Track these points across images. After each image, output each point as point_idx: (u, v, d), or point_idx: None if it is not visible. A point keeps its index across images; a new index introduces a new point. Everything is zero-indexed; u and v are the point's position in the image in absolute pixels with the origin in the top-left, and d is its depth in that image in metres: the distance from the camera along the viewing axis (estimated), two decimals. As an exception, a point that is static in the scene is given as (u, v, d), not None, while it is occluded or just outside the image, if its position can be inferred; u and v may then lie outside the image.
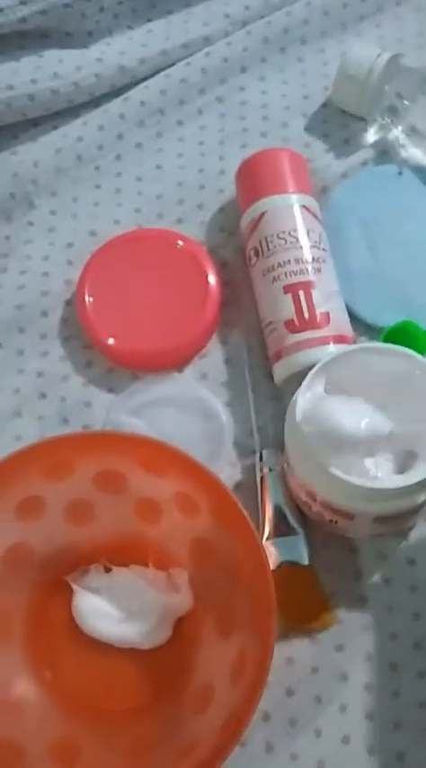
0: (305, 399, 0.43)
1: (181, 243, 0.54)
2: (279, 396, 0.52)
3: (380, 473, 0.42)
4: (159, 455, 0.44)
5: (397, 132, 0.58)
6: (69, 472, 0.45)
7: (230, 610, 0.43)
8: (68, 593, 0.47)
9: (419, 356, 0.44)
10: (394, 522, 0.44)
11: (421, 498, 0.42)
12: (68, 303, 0.55)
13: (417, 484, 0.41)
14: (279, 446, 0.49)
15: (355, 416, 0.42)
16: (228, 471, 0.50)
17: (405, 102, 0.57)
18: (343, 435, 0.41)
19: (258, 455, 0.49)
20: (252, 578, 0.41)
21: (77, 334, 0.54)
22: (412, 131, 0.58)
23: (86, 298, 0.53)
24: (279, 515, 0.48)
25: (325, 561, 0.48)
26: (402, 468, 0.42)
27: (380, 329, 0.52)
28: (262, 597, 0.40)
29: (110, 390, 0.53)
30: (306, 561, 0.47)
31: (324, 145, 0.59)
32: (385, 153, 0.59)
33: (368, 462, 0.43)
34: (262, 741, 0.44)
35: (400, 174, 0.57)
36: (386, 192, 0.57)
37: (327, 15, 0.63)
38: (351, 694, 0.45)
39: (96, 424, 0.52)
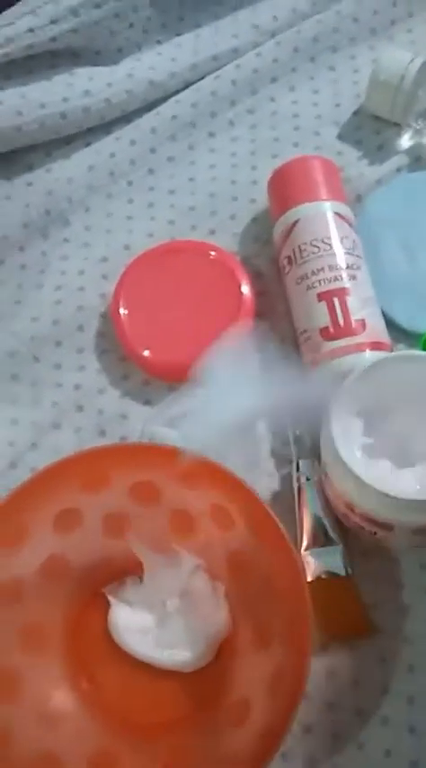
0: (339, 410, 0.43)
1: (214, 254, 0.54)
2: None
3: (419, 485, 0.41)
4: (193, 467, 0.44)
5: (431, 137, 0.58)
6: (106, 484, 0.46)
7: (267, 622, 0.43)
8: (106, 606, 0.47)
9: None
10: (435, 532, 0.43)
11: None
12: (103, 317, 0.55)
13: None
14: (317, 455, 0.48)
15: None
16: (266, 481, 0.50)
17: (439, 108, 0.57)
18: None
19: (295, 465, 0.49)
20: (289, 591, 0.41)
21: (113, 347, 0.54)
22: (446, 136, 0.57)
23: (121, 311, 0.53)
24: (317, 526, 0.47)
25: (366, 572, 0.47)
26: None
27: (418, 335, 0.51)
28: (299, 610, 0.40)
29: (147, 402, 0.53)
30: (344, 572, 0.46)
31: (358, 152, 0.59)
32: (419, 159, 0.58)
33: (406, 472, 0.42)
34: (305, 754, 0.43)
35: (435, 179, 0.57)
36: (420, 198, 0.56)
37: (357, 22, 0.63)
38: (393, 707, 0.44)
39: (133, 435, 0.52)
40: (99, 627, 0.47)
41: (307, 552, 0.47)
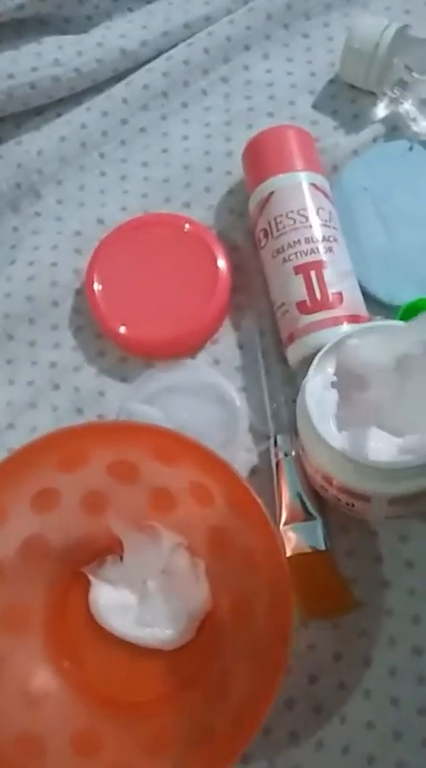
0: (314, 383, 0.42)
1: (189, 227, 0.53)
2: (292, 379, 0.51)
3: (393, 455, 0.41)
4: (171, 444, 0.44)
5: (407, 106, 0.57)
6: (83, 463, 0.45)
7: (248, 598, 0.43)
8: (87, 585, 0.47)
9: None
10: (412, 503, 0.43)
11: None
12: (78, 293, 0.54)
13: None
14: (295, 430, 0.48)
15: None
16: (244, 457, 0.50)
17: (415, 75, 0.56)
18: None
19: (272, 440, 0.49)
20: (268, 566, 0.41)
21: (88, 323, 0.53)
22: (423, 104, 0.56)
23: (95, 286, 0.52)
24: (296, 500, 0.47)
25: (345, 546, 0.47)
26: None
27: (397, 308, 0.50)
28: (279, 584, 0.39)
29: (124, 379, 0.52)
30: (323, 546, 0.46)
31: (333, 122, 0.58)
32: (395, 128, 0.57)
33: (381, 443, 0.42)
34: (287, 729, 0.44)
35: (411, 149, 0.56)
36: (397, 167, 0.55)
37: (331, -12, 0.62)
38: (375, 679, 0.44)
39: (110, 413, 0.51)
40: (80, 606, 0.47)
41: (287, 527, 0.47)
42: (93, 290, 0.52)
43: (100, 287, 0.52)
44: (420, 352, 0.42)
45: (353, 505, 0.44)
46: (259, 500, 0.41)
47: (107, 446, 0.45)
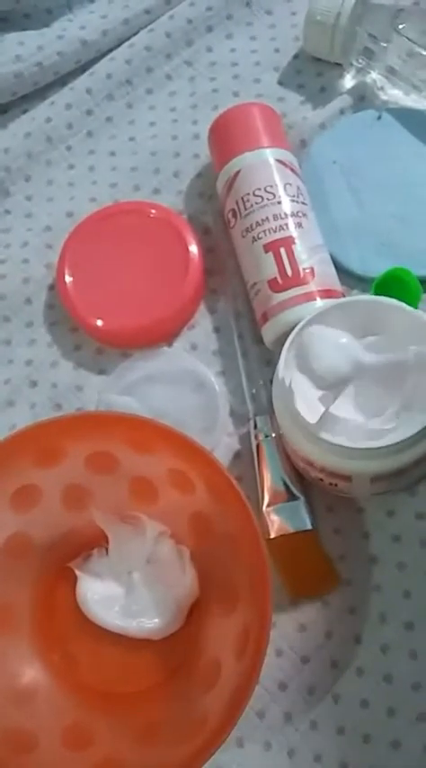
0: (287, 365, 0.42)
1: (154, 212, 0.53)
2: (271, 360, 0.50)
3: (370, 432, 0.40)
4: (147, 433, 0.43)
5: (374, 75, 0.56)
6: (61, 457, 0.45)
7: (232, 584, 0.42)
8: (73, 580, 0.46)
9: (406, 306, 0.42)
10: (394, 479, 0.42)
11: (417, 453, 0.40)
12: (51, 288, 0.54)
13: (410, 439, 0.39)
14: (274, 412, 0.47)
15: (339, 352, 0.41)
16: (226, 441, 0.49)
17: (380, 44, 0.55)
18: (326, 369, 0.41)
19: (252, 423, 0.48)
20: (249, 550, 0.40)
21: (63, 318, 0.53)
22: (390, 72, 0.55)
23: (67, 279, 0.52)
24: (278, 482, 0.46)
25: (331, 524, 0.46)
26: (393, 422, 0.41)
27: (371, 279, 0.50)
28: (258, 568, 0.39)
29: (101, 372, 0.52)
30: (308, 526, 0.45)
31: (300, 96, 0.57)
32: (363, 98, 0.56)
33: (356, 421, 0.41)
34: (281, 711, 0.43)
35: (379, 118, 0.55)
36: (366, 138, 0.55)
37: (292, -38, 0.61)
38: (367, 657, 0.43)
39: (89, 406, 0.51)
40: (68, 601, 0.46)
41: (270, 509, 0.46)
42: (65, 283, 0.52)
43: (71, 279, 0.52)
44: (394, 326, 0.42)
45: (336, 485, 0.44)
46: (235, 483, 0.41)
47: (83, 438, 0.44)
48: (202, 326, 0.52)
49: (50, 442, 0.44)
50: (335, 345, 0.42)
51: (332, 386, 0.42)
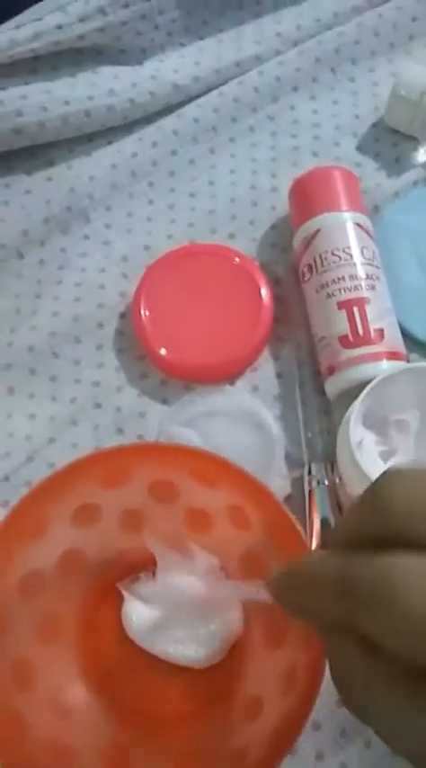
0: (357, 419, 0.44)
1: (235, 258, 0.55)
2: (328, 410, 0.52)
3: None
4: (212, 467, 0.45)
5: (447, 152, 0.59)
6: (125, 481, 0.46)
7: (280, 621, 0.44)
8: (119, 600, 0.48)
9: None
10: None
11: None
12: (122, 316, 0.56)
13: None
14: (329, 459, 0.50)
15: None
16: (279, 483, 0.51)
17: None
18: None
19: (307, 468, 0.50)
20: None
21: (131, 346, 0.55)
22: (463, 151, 0.59)
23: (142, 311, 0.54)
24: (326, 529, 0.48)
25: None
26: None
27: (432, 346, 0.52)
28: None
29: (164, 401, 0.54)
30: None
31: (375, 164, 0.60)
32: (435, 173, 0.60)
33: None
34: (313, 750, 0.45)
35: (449, 194, 0.58)
36: (436, 211, 0.58)
37: (377, 36, 0.64)
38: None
39: (150, 434, 0.53)
40: (113, 621, 0.47)
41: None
42: (140, 313, 0.54)
43: (146, 311, 0.54)
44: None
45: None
46: (298, 526, 0.43)
47: (149, 466, 0.46)
48: (265, 370, 0.54)
49: (120, 465, 0.46)
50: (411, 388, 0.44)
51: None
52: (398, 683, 0.25)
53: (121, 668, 0.47)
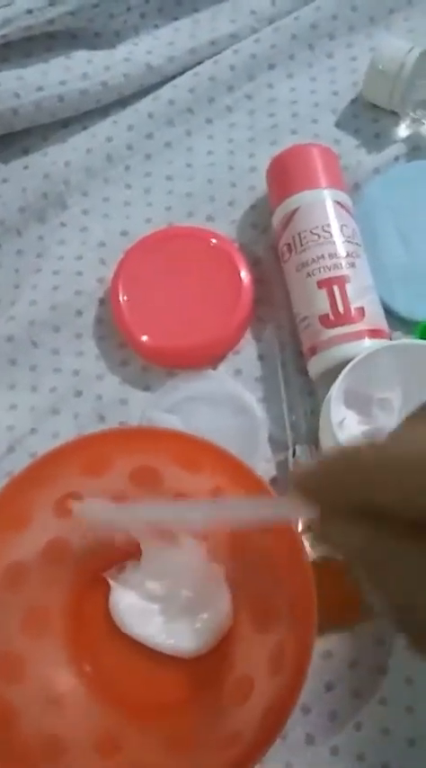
0: (337, 398, 0.43)
1: (213, 240, 0.54)
2: (312, 391, 0.52)
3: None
4: (194, 450, 0.45)
5: (429, 126, 0.58)
6: (107, 468, 0.46)
7: (267, 602, 0.44)
8: (106, 590, 0.47)
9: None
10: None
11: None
12: (102, 302, 0.55)
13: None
14: (313, 441, 0.49)
15: None
16: (264, 467, 0.51)
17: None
18: None
19: (291, 450, 0.50)
20: (290, 571, 0.41)
21: (111, 333, 0.54)
22: (445, 125, 0.58)
23: (121, 296, 0.53)
24: (314, 510, 0.48)
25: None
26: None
27: (415, 323, 0.51)
28: (301, 589, 0.40)
29: (146, 388, 0.53)
30: (340, 556, 0.47)
31: (355, 140, 0.59)
32: (416, 148, 0.59)
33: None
34: (303, 734, 0.44)
35: (432, 168, 0.57)
36: (418, 186, 0.57)
37: (355, 10, 0.63)
38: (391, 688, 0.45)
39: (132, 421, 0.52)
40: (100, 610, 0.47)
41: (303, 537, 0.47)
42: (118, 300, 0.53)
43: (125, 297, 0.53)
44: None
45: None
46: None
47: (131, 452, 0.46)
48: (247, 353, 0.54)
49: (100, 453, 0.45)
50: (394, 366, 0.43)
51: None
52: None
53: (111, 657, 0.47)
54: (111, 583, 0.47)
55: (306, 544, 0.47)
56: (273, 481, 0.50)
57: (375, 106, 0.60)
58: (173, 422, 0.51)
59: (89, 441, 0.46)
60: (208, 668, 0.45)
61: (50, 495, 0.46)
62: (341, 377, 0.44)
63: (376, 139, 0.59)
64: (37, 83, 0.58)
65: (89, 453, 0.45)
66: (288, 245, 0.52)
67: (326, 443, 0.44)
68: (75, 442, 0.46)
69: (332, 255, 0.50)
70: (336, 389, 0.43)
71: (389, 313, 0.52)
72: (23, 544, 0.45)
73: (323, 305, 0.50)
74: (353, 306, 0.49)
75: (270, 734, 0.38)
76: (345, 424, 0.44)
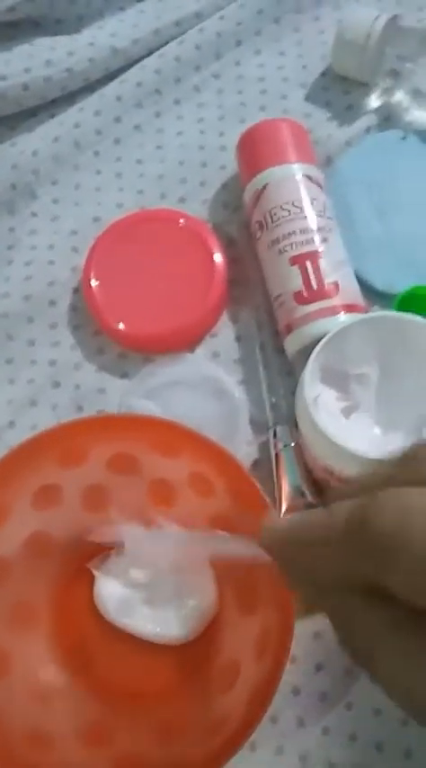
0: (312, 376, 0.42)
1: (184, 222, 0.54)
2: (291, 371, 0.51)
3: (394, 446, 0.41)
4: (171, 436, 0.44)
5: (400, 95, 0.57)
6: (83, 458, 0.45)
7: (251, 586, 0.43)
8: (91, 580, 0.47)
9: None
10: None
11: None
12: (76, 291, 0.55)
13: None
14: (294, 421, 0.48)
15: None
16: (245, 449, 0.50)
17: (407, 65, 0.56)
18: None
19: (272, 432, 0.49)
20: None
21: (87, 321, 0.54)
22: (416, 93, 0.57)
23: (92, 283, 0.53)
24: (295, 491, 0.47)
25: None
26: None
27: (393, 296, 0.51)
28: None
29: (124, 375, 0.52)
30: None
31: (326, 114, 0.58)
32: (388, 118, 0.57)
33: (381, 433, 0.42)
34: (293, 716, 0.44)
35: (404, 138, 0.56)
36: (391, 157, 0.56)
37: (322, -19, 0.62)
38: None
39: (111, 409, 0.51)
40: (85, 601, 0.47)
41: (287, 517, 0.46)
42: (91, 287, 0.53)
43: (97, 284, 0.53)
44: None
45: (355, 494, 0.44)
46: (258, 486, 0.42)
47: (107, 440, 0.45)
48: (224, 335, 0.53)
49: (75, 442, 0.45)
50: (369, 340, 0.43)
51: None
52: (406, 630, 0.25)
53: (97, 648, 0.46)
54: (96, 573, 0.47)
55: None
56: (256, 463, 0.50)
57: (345, 78, 0.59)
58: (150, 408, 0.51)
59: (64, 430, 0.45)
60: (195, 654, 0.45)
61: (27, 489, 0.45)
62: (314, 354, 0.43)
63: (347, 112, 0.58)
64: (0, 72, 0.57)
65: (65, 443, 0.45)
66: (260, 222, 0.51)
67: (303, 422, 0.43)
68: (48, 432, 0.45)
69: (304, 231, 0.49)
70: (310, 366, 0.43)
71: (366, 287, 0.51)
72: (3, 539, 0.45)
73: (296, 282, 0.49)
74: (327, 281, 0.48)
75: (255, 717, 0.38)
76: (320, 402, 0.43)
